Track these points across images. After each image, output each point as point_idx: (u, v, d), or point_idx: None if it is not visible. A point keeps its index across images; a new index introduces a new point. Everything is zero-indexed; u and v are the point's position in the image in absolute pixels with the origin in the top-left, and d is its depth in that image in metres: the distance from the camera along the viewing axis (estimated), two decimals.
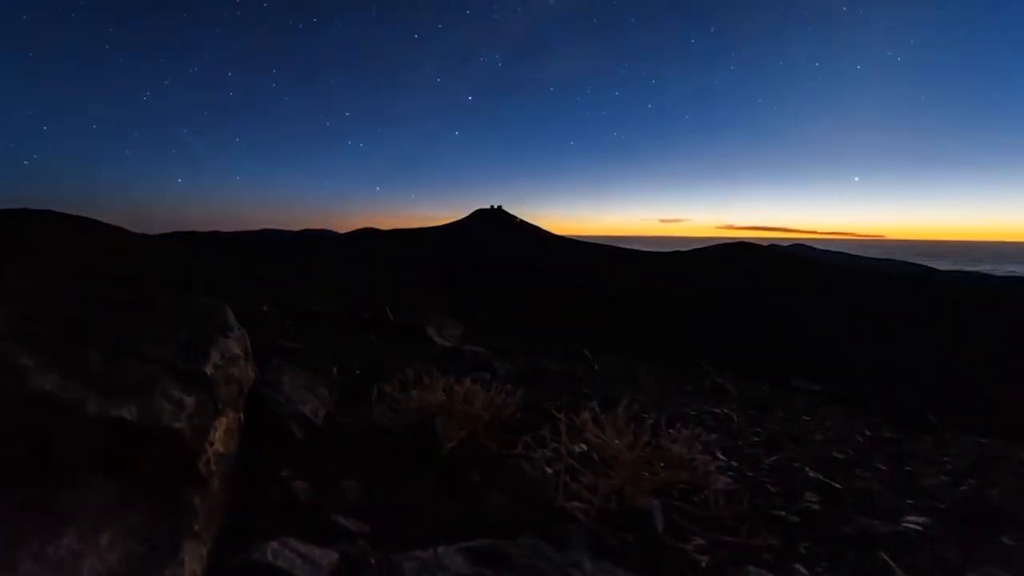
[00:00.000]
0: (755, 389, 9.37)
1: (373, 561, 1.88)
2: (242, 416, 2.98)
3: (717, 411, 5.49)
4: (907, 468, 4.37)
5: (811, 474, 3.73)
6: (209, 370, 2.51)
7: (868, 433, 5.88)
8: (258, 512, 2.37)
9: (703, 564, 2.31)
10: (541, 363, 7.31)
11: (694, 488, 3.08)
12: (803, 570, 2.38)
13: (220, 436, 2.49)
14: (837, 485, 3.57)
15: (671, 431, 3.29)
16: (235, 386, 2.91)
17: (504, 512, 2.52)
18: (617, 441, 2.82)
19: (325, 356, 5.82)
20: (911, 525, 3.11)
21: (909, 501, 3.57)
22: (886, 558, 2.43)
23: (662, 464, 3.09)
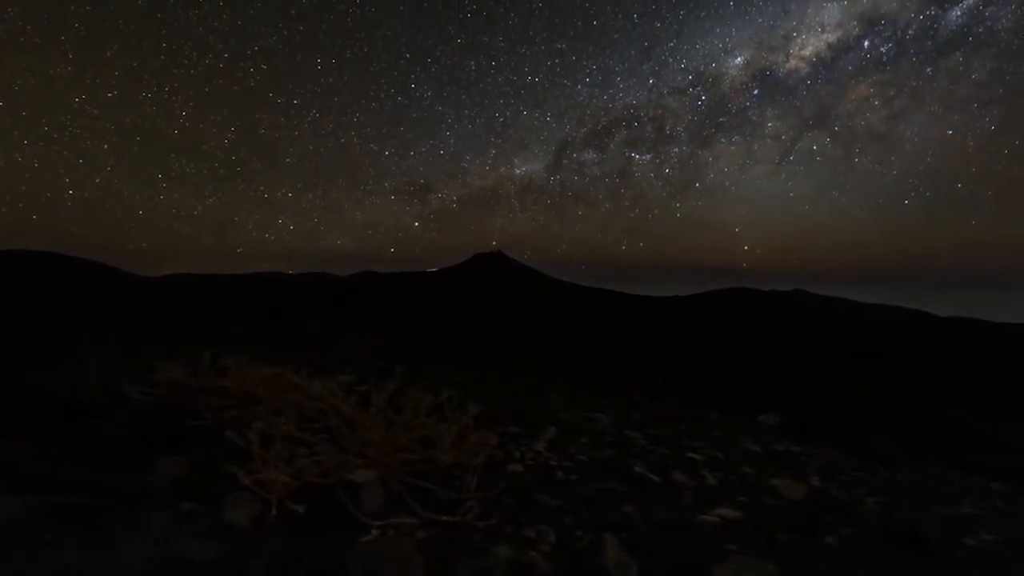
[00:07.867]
0: (695, 415, 8.79)
1: None
2: None
3: (594, 416, 5.05)
4: (773, 473, 3.91)
5: (636, 469, 3.30)
6: None
7: (776, 448, 5.38)
8: None
9: (372, 536, 1.93)
10: (441, 377, 6.91)
11: (465, 471, 2.71)
12: (506, 551, 1.98)
13: None
14: (655, 479, 3.14)
15: (460, 419, 3.06)
16: None
17: (170, 481, 2.16)
18: (344, 407, 2.49)
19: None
20: (710, 517, 2.68)
21: (741, 499, 3.11)
22: (611, 538, 2.02)
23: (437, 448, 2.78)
